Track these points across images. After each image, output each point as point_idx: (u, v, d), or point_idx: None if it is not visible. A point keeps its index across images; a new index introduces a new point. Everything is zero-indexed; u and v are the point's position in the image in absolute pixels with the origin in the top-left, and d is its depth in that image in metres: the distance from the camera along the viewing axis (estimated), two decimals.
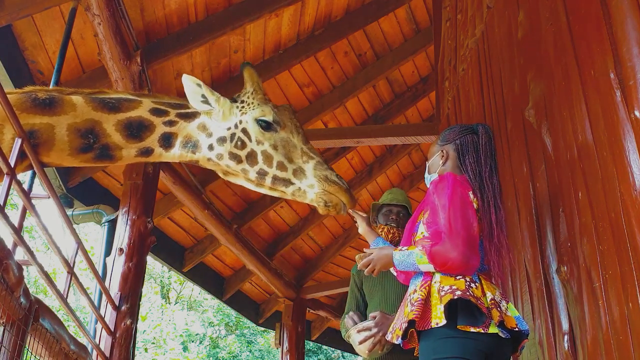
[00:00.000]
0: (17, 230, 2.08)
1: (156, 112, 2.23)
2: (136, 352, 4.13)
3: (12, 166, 2.00)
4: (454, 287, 1.87)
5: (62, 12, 3.78)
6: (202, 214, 5.43)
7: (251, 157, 2.21)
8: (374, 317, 2.52)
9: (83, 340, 3.05)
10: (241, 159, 2.21)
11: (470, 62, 3.96)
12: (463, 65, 4.15)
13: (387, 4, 5.30)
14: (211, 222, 5.58)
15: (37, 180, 3.33)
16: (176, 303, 14.75)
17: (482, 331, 1.83)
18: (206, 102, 2.25)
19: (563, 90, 2.41)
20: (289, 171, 2.19)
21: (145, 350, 12.27)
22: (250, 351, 13.69)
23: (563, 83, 2.41)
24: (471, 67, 3.95)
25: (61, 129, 2.10)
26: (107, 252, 4.34)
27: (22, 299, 1.99)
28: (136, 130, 2.19)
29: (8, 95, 2.03)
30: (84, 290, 3.01)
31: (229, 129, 2.23)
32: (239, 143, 2.21)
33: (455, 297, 1.84)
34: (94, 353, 3.41)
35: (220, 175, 2.33)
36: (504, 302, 1.94)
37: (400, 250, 2.03)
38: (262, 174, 2.20)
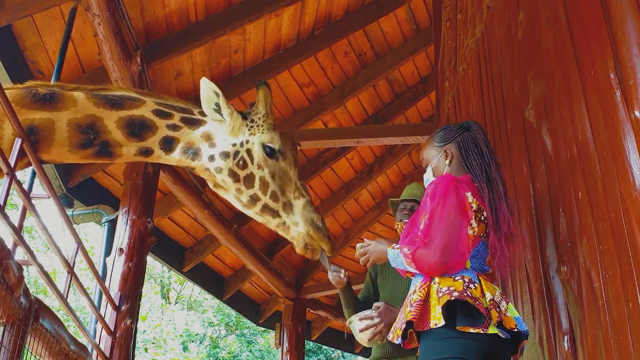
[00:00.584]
0: (17, 230, 2.08)
1: (160, 113, 2.21)
2: (136, 352, 4.12)
3: (12, 166, 2.00)
4: (451, 288, 1.88)
5: (62, 12, 3.78)
6: (202, 214, 5.42)
7: (249, 180, 2.21)
8: (378, 307, 2.53)
9: (83, 340, 3.05)
10: (239, 179, 2.21)
11: (470, 62, 3.96)
12: (463, 65, 4.15)
13: (387, 4, 5.30)
14: (211, 222, 5.58)
15: (37, 180, 3.33)
16: (176, 303, 14.75)
17: (482, 332, 1.83)
18: (218, 111, 2.23)
19: (563, 90, 2.41)
20: (279, 203, 2.21)
21: (145, 350, 12.27)
22: (250, 351, 13.70)
23: (563, 83, 2.41)
24: (471, 67, 3.94)
25: (61, 125, 2.08)
26: (107, 252, 4.35)
27: (22, 299, 1.99)
28: (138, 129, 2.18)
29: (8, 90, 2.02)
30: (84, 290, 3.01)
31: (234, 145, 2.22)
32: (240, 162, 2.21)
33: (453, 298, 1.85)
34: (94, 353, 3.41)
35: (210, 185, 2.32)
36: (503, 303, 1.94)
37: (393, 248, 2.07)
38: (254, 199, 2.22)
